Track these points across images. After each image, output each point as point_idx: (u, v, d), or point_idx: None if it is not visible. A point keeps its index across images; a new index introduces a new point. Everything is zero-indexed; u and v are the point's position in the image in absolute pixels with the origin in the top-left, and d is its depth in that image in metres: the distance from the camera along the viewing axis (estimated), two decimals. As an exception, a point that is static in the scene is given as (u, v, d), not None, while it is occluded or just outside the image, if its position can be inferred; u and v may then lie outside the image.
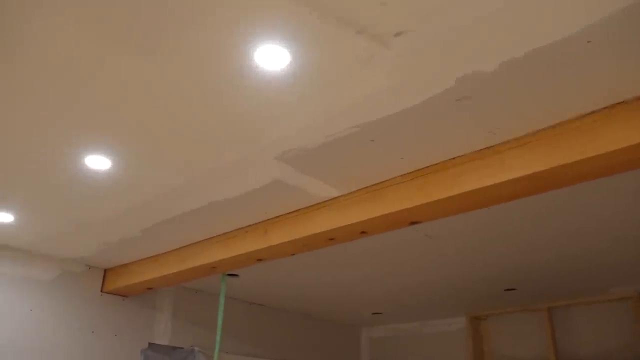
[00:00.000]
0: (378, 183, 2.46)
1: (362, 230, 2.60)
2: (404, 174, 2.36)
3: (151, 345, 4.12)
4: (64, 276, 3.76)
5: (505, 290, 4.35)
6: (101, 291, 3.94)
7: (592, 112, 1.82)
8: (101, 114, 1.95)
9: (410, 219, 2.44)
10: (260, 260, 3.10)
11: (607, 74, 1.63)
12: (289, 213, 2.81)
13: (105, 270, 3.99)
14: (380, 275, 4.09)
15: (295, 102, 1.82)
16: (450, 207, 2.29)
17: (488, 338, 5.09)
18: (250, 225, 3.00)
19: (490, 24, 1.45)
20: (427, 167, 2.28)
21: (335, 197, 2.61)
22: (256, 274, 3.99)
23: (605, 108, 1.79)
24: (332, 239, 2.71)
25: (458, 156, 2.18)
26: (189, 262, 3.31)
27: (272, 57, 1.61)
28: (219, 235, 3.16)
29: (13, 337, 3.41)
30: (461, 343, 5.20)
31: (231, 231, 3.10)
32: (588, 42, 1.50)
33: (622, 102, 1.78)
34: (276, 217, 2.87)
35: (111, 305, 3.96)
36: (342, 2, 1.39)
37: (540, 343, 4.69)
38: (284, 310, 5.26)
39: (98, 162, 2.29)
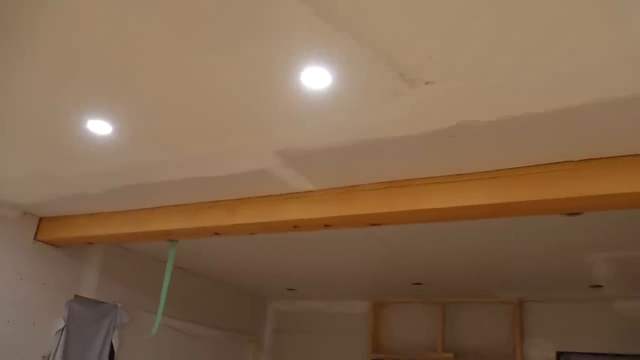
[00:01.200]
0: (351, 186, 2.76)
1: (326, 224, 2.90)
2: (376, 182, 2.68)
3: (77, 297, 4.12)
4: (-3, 219, 3.65)
5: (413, 284, 4.91)
6: (34, 239, 3.86)
7: (542, 165, 2.27)
8: (126, 85, 2.03)
9: (372, 221, 2.78)
10: (218, 234, 3.28)
11: (569, 140, 2.07)
12: (259, 197, 3.02)
13: (40, 219, 3.91)
14: (307, 260, 4.43)
15: (320, 116, 2.07)
16: (411, 218, 2.66)
17: (387, 323, 5.68)
18: (217, 201, 3.16)
19: (506, 87, 1.80)
20: (398, 180, 2.62)
21: (308, 191, 2.88)
22: (189, 241, 4.11)
23: (553, 163, 2.25)
24: (296, 227, 2.98)
25: (427, 177, 2.54)
26: (144, 225, 3.40)
27: (316, 77, 1.84)
28: (181, 204, 3.28)
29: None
30: (362, 324, 5.73)
31: (195, 203, 3.24)
32: (565, 117, 1.91)
33: (567, 161, 2.24)
34: (245, 198, 3.07)
35: (42, 254, 3.90)
36: (397, 48, 1.65)
37: (431, 332, 5.35)
38: (203, 275, 5.43)
39: (99, 127, 2.34)
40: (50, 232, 3.84)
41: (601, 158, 2.19)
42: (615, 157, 2.17)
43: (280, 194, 2.95)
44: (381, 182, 2.68)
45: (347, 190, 2.77)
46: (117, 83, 2.01)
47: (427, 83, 1.81)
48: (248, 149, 2.45)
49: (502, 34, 1.55)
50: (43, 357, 3.82)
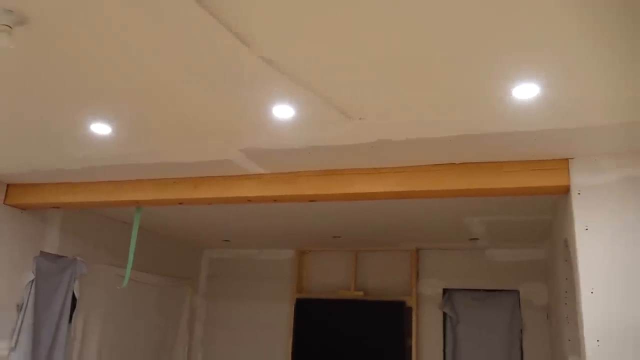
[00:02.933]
0: (295, 171, 3.56)
1: (275, 200, 3.70)
2: (316, 170, 3.50)
3: (42, 253, 4.65)
4: (-29, 187, 4.06)
5: (333, 237, 5.89)
6: (3, 203, 4.31)
7: (435, 165, 3.22)
8: (129, 101, 2.64)
9: (311, 199, 3.63)
10: (181, 204, 3.98)
11: (452, 151, 3.01)
12: (219, 176, 3.73)
13: (7, 185, 4.33)
14: (240, 217, 5.14)
15: (283, 134, 2.83)
16: (341, 198, 3.54)
17: (309, 268, 6.69)
18: (182, 178, 3.82)
19: (407, 123, 2.66)
20: (333, 170, 3.46)
21: (261, 173, 3.64)
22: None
23: (441, 164, 3.20)
24: (250, 201, 3.75)
25: (355, 168, 3.41)
26: (114, 195, 3.98)
27: (283, 111, 2.59)
28: (149, 179, 3.90)
29: None
30: (287, 269, 6.70)
31: (162, 179, 3.87)
32: (450, 141, 2.83)
33: (452, 163, 3.20)
34: (207, 176, 3.76)
35: (11, 216, 4.37)
36: (341, 99, 2.45)
37: (346, 275, 6.43)
38: (147, 229, 6.04)
39: (100, 128, 2.94)
40: (19, 197, 4.30)
41: (476, 162, 3.16)
42: (482, 162, 3.15)
43: (237, 175, 3.69)
44: (319, 170, 3.50)
45: (293, 175, 3.57)
46: (122, 99, 2.61)
47: (360, 119, 2.64)
48: (219, 148, 3.16)
49: (403, 99, 2.40)
50: (17, 305, 4.38)
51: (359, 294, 6.20)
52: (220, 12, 1.84)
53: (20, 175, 4.07)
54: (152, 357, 6.15)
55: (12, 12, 1.87)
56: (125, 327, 5.70)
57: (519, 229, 4.95)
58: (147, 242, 6.07)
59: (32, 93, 2.58)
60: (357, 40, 1.98)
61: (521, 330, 5.65)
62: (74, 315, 4.93)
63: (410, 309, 5.97)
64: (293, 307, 6.39)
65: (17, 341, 4.32)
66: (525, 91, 2.25)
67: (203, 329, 6.91)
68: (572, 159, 2.99)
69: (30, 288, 4.47)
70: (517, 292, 5.76)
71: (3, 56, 2.20)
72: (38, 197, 4.24)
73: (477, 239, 5.50)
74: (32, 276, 4.49)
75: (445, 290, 6.05)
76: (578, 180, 2.95)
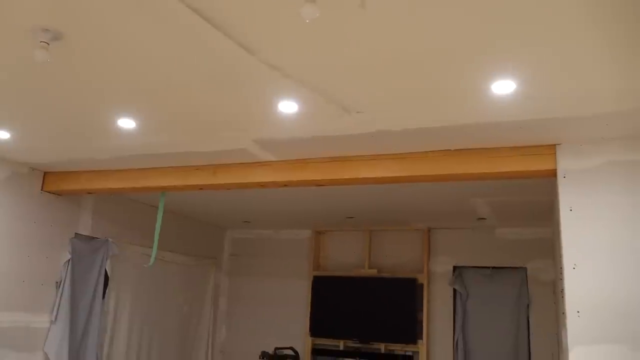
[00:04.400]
0: (303, 159, 3.84)
1: (285, 185, 4.00)
2: (322, 157, 3.79)
3: (77, 235, 5.07)
4: (12, 176, 4.47)
5: (347, 217, 6.18)
6: (41, 190, 4.72)
7: (433, 151, 3.46)
8: (154, 101, 2.96)
9: (318, 184, 3.91)
10: (202, 189, 4.31)
11: (447, 138, 3.25)
12: (235, 163, 4.05)
13: (44, 173, 4.73)
14: (260, 200, 5.50)
15: (289, 125, 3.12)
16: (346, 182, 3.82)
17: (325, 247, 7.02)
18: (201, 165, 4.16)
19: (403, 116, 2.92)
20: (338, 156, 3.74)
21: (272, 161, 3.94)
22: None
23: (439, 150, 3.44)
24: (262, 186, 4.06)
25: (359, 155, 3.67)
26: (141, 182, 4.34)
27: (287, 106, 2.87)
28: (172, 167, 4.24)
29: (-23, 224, 4.14)
30: (305, 248, 7.04)
31: (184, 166, 4.21)
32: (443, 130, 3.07)
33: (447, 150, 3.44)
34: (225, 164, 4.08)
35: (48, 202, 4.78)
36: (339, 96, 2.72)
37: (360, 253, 6.74)
38: (173, 212, 6.44)
39: (126, 122, 3.26)
40: (55, 184, 4.70)
41: (469, 149, 3.40)
42: (475, 148, 3.38)
43: (251, 162, 3.99)
44: (326, 157, 3.78)
45: (301, 162, 3.86)
46: (143, 99, 2.92)
47: (357, 112, 2.90)
48: (234, 138, 3.46)
49: (396, 95, 2.65)
50: (56, 282, 4.82)
51: (372, 272, 6.51)
52: (229, 27, 2.12)
53: (56, 165, 4.45)
54: (180, 329, 6.60)
55: (49, 30, 2.18)
56: (154, 302, 6.14)
57: (524, 209, 5.16)
58: (174, 223, 6.47)
59: (68, 95, 2.92)
60: (353, 46, 2.22)
61: (528, 305, 5.89)
62: (106, 291, 5.36)
63: (421, 286, 6.26)
64: (310, 284, 6.74)
65: (56, 315, 4.76)
66: (503, 86, 2.48)
67: (226, 304, 7.33)
68: (558, 144, 3.20)
69: (67, 267, 4.90)
70: (525, 269, 5.98)
71: (43, 67, 2.53)
72: (72, 184, 4.63)
73: (484, 218, 5.72)
74: (68, 256, 4.92)
75: (455, 268, 6.31)
76: (564, 164, 3.17)
